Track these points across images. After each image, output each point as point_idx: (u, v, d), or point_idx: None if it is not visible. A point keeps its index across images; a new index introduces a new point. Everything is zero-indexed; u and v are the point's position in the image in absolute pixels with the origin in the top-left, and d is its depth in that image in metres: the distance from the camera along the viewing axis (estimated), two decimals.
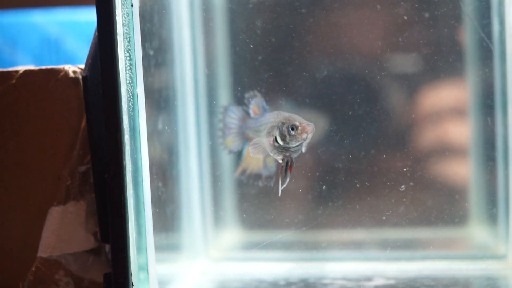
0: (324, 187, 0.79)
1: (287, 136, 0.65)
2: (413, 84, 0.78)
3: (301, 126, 0.64)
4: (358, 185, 0.79)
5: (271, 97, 0.77)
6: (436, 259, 0.80)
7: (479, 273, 0.77)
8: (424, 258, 0.80)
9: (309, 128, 0.64)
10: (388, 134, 0.79)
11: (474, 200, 0.81)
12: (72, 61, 0.73)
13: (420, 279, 0.75)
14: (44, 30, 0.99)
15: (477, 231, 0.81)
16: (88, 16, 0.93)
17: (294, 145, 0.65)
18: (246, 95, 0.71)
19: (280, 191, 0.67)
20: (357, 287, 0.73)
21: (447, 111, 0.80)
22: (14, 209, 0.71)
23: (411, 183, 0.78)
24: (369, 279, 0.76)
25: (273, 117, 0.68)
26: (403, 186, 0.77)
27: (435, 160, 0.79)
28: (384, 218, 0.79)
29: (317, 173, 0.80)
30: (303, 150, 0.67)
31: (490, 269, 0.77)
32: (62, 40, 0.99)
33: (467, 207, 0.81)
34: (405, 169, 0.77)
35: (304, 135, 0.64)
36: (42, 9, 1.01)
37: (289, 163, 0.67)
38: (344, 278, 0.76)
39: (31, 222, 0.70)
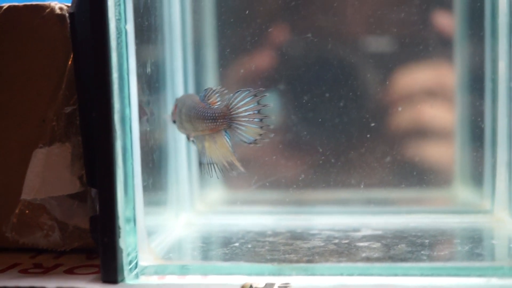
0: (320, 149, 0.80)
1: None
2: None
3: None
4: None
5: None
6: (422, 213, 0.81)
7: (466, 225, 0.78)
8: (409, 213, 0.81)
9: None
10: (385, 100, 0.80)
11: (460, 163, 0.82)
12: None
13: (407, 230, 0.75)
14: None
15: (462, 191, 0.82)
16: None
17: None
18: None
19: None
20: (345, 237, 0.72)
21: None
22: None
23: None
24: (356, 230, 0.75)
25: None
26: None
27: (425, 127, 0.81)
28: (369, 179, 0.80)
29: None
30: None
31: (476, 222, 0.78)
32: None
33: (453, 169, 0.82)
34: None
35: None
36: None
37: None
38: (331, 229, 0.76)
39: (13, 166, 0.68)
